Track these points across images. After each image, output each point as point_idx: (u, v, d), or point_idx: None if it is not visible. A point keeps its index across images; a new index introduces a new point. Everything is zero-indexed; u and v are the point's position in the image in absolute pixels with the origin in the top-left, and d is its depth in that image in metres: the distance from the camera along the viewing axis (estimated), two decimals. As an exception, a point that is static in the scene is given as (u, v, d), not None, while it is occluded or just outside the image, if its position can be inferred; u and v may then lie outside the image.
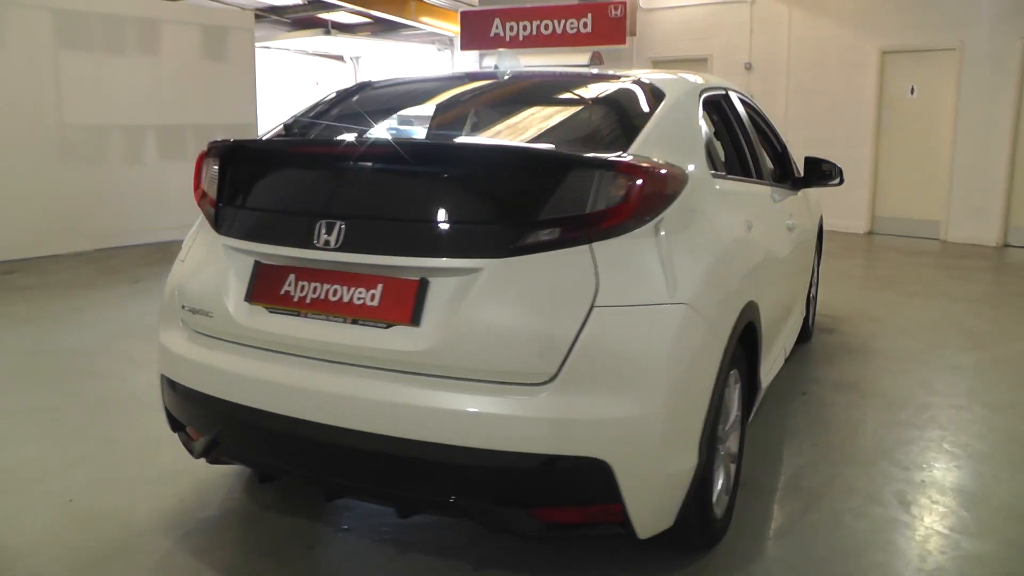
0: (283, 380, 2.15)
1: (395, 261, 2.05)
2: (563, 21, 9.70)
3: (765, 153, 3.50)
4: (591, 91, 2.59)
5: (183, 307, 2.43)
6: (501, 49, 2.47)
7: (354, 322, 2.09)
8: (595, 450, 1.90)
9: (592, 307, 1.92)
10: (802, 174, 4.28)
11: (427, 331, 1.99)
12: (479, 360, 1.94)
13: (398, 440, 1.98)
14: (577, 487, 1.96)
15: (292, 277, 2.20)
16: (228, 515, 2.76)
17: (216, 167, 2.44)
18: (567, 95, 2.62)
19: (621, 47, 9.80)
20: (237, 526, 2.69)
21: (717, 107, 3.19)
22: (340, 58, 19.66)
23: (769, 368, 3.13)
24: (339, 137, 2.57)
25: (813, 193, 4.81)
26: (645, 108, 2.43)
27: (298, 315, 2.18)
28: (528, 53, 9.83)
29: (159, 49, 8.55)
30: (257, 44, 21.46)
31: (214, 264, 2.37)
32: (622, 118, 2.38)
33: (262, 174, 2.36)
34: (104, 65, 8.05)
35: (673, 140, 2.39)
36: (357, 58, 19.78)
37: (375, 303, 2.06)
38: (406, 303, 2.02)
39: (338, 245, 2.09)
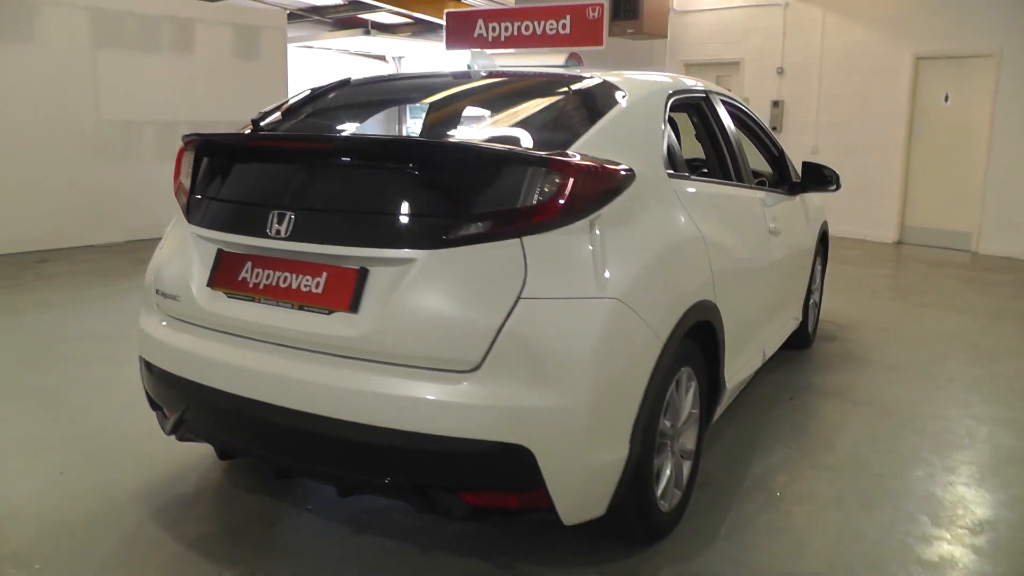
0: (237, 362, 2.26)
1: (337, 250, 2.14)
2: (543, 22, 10.23)
3: (747, 157, 3.50)
4: (552, 90, 2.65)
5: (157, 292, 2.57)
6: (474, 49, 2.55)
7: (300, 308, 2.19)
8: (518, 437, 1.97)
9: (519, 298, 1.98)
10: (800, 179, 4.29)
11: (364, 318, 2.08)
12: (409, 346, 2.02)
13: (335, 421, 2.07)
14: (501, 472, 2.02)
15: (249, 264, 2.31)
16: (202, 492, 2.89)
17: (191, 160, 2.57)
18: (527, 94, 2.69)
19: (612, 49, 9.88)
20: (208, 503, 2.82)
21: (693, 110, 3.22)
22: (382, 58, 19.96)
23: (739, 369, 3.14)
24: (294, 133, 2.68)
25: (816, 199, 4.79)
26: (600, 108, 2.48)
27: (252, 300, 2.28)
28: (509, 54, 10.20)
29: (193, 48, 8.84)
30: (299, 44, 21.93)
31: (184, 252, 2.50)
32: (574, 117, 2.44)
33: (226, 167, 2.48)
34: (139, 63, 8.36)
35: (625, 139, 2.43)
36: (400, 58, 20.04)
37: (319, 290, 2.16)
38: (346, 291, 2.11)
39: (288, 235, 2.19)
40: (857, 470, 3.17)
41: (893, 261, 8.31)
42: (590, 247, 2.08)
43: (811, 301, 4.80)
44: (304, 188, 2.28)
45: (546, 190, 2.03)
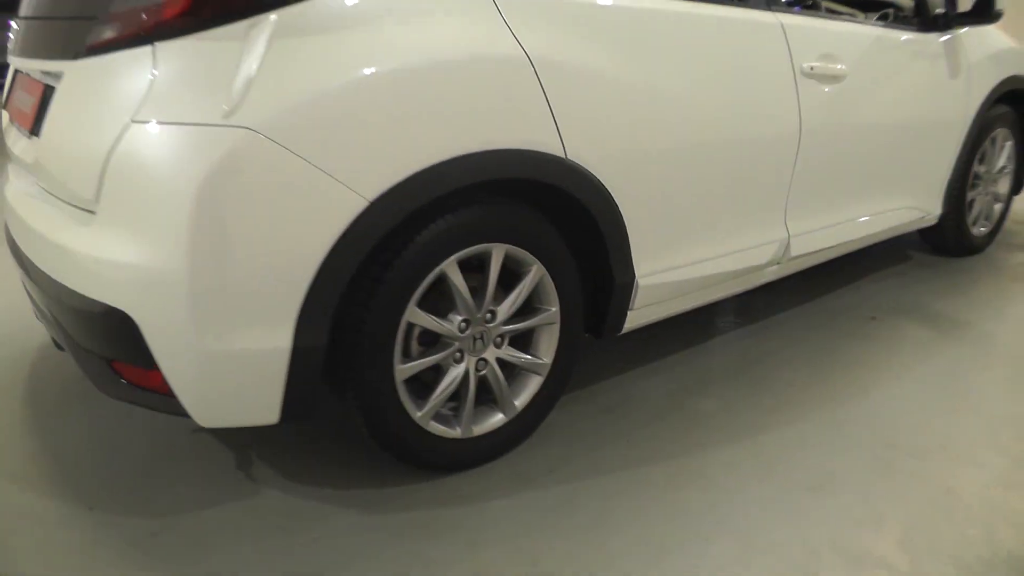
0: (18, 209, 2.02)
1: (34, 64, 1.88)
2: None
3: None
4: None
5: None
6: None
7: (29, 134, 1.92)
8: (118, 300, 1.55)
9: (131, 121, 1.52)
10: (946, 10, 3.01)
11: (37, 143, 1.79)
12: (51, 177, 1.72)
13: (37, 269, 1.80)
14: (119, 341, 1.63)
15: (17, 85, 2.11)
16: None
17: None
18: None
19: None
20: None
21: None
22: None
23: (683, 265, 2.28)
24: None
25: (997, 42, 3.33)
26: None
27: (17, 127, 2.07)
28: None
29: None
30: None
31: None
32: None
33: None
34: None
35: None
36: None
37: (29, 111, 1.89)
38: (33, 110, 1.83)
39: (19, 51, 1.99)
40: (836, 411, 2.21)
41: None
42: (238, 57, 1.51)
43: (980, 190, 3.46)
44: None
45: None
